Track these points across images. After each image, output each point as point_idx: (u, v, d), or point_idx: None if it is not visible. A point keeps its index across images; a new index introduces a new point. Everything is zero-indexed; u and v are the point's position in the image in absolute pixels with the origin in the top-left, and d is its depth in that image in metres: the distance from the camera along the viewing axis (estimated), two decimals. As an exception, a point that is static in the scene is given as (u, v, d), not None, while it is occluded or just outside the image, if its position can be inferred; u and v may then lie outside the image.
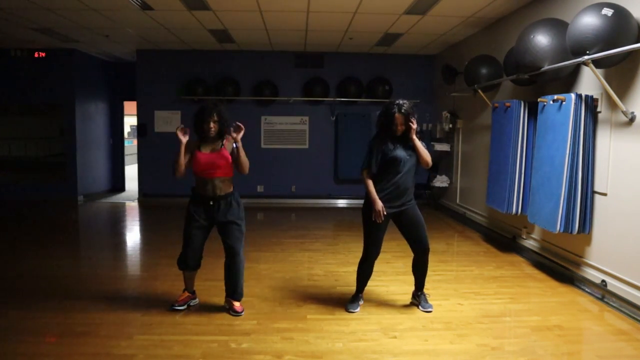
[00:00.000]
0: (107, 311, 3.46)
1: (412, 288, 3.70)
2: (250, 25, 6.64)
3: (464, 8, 5.60)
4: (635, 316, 3.41)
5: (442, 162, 7.88)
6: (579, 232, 3.95)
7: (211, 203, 3.35)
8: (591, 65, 3.53)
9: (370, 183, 3.39)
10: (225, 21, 6.42)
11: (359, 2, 5.43)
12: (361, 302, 3.63)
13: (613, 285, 3.68)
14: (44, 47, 8.23)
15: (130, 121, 14.81)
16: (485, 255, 5.24)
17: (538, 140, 4.41)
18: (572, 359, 2.94)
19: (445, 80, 7.26)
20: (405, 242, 3.56)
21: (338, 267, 4.67)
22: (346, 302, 3.62)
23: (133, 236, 6.58)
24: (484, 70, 5.70)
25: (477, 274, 4.52)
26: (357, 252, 3.60)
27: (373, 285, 3.98)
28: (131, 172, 10.87)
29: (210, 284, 3.89)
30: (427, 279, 3.65)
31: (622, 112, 3.56)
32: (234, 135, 3.32)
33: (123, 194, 9.86)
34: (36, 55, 8.39)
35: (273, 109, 8.71)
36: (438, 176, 7.71)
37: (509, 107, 4.89)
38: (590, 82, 4.06)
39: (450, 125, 7.43)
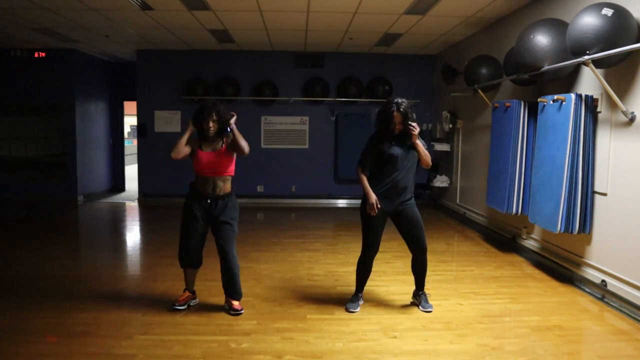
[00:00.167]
0: (107, 311, 3.46)
1: (412, 288, 3.70)
2: (250, 25, 6.64)
3: (464, 8, 5.60)
4: (635, 316, 3.41)
5: (442, 162, 7.88)
6: (579, 232, 3.95)
7: (208, 201, 3.36)
8: (591, 65, 3.53)
9: (364, 177, 3.44)
10: (225, 21, 6.42)
11: (359, 2, 5.43)
12: (361, 302, 3.63)
13: (613, 285, 3.68)
14: (44, 47, 8.23)
15: (130, 121, 14.81)
16: (485, 255, 5.24)
17: (538, 141, 4.41)
18: (572, 359, 2.94)
19: (445, 80, 7.26)
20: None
21: (338, 267, 4.67)
22: (346, 302, 3.62)
23: (133, 236, 6.58)
24: (484, 70, 5.70)
25: (477, 274, 4.52)
26: (357, 252, 3.60)
27: (373, 285, 3.98)
28: (131, 172, 10.87)
29: (210, 284, 3.89)
30: (427, 279, 3.66)
31: (622, 112, 3.56)
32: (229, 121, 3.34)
33: (123, 194, 9.87)
34: (36, 55, 8.39)
35: (273, 109, 8.71)
36: (438, 176, 7.71)
37: (509, 107, 4.89)
38: (590, 82, 4.06)
39: (450, 125, 7.43)
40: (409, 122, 3.29)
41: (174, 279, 4.05)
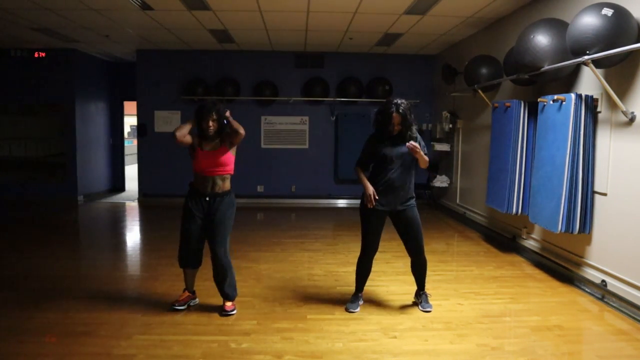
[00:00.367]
0: (107, 311, 3.46)
1: (413, 288, 3.71)
2: (250, 25, 6.64)
3: (464, 8, 5.60)
4: (635, 316, 3.41)
5: (442, 162, 7.89)
6: (579, 232, 3.96)
7: (207, 199, 3.37)
8: (591, 65, 3.53)
9: (361, 172, 3.49)
10: (225, 21, 6.42)
11: (359, 2, 5.43)
12: (361, 302, 3.63)
13: (613, 285, 3.68)
14: (44, 47, 8.23)
15: (130, 121, 14.81)
16: (485, 255, 5.24)
17: (539, 141, 4.41)
18: (572, 359, 2.94)
19: (445, 80, 7.26)
20: (405, 242, 3.57)
21: (338, 267, 4.67)
22: (346, 302, 3.62)
23: (133, 236, 6.58)
24: (484, 70, 5.70)
25: (477, 274, 4.52)
26: (357, 252, 3.60)
27: (373, 285, 3.99)
28: (131, 172, 10.87)
29: (210, 284, 3.87)
30: (427, 278, 3.66)
31: (622, 112, 3.56)
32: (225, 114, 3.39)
33: (123, 194, 9.86)
34: (36, 55, 8.39)
35: (273, 109, 8.71)
36: (438, 176, 7.71)
37: (509, 107, 4.89)
38: (590, 82, 4.06)
39: (450, 125, 7.43)
40: (411, 143, 3.27)
41: (174, 279, 4.05)
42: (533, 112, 4.66)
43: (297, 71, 8.64)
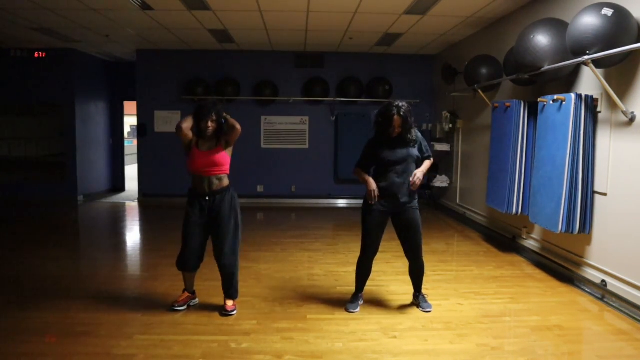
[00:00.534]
0: (107, 311, 3.46)
1: (412, 288, 3.70)
2: (250, 25, 6.64)
3: (464, 8, 5.60)
4: (635, 316, 3.41)
5: (442, 162, 7.88)
6: (579, 232, 3.96)
7: (207, 198, 3.37)
8: (591, 65, 3.53)
9: (360, 170, 3.50)
10: (225, 21, 6.42)
11: (359, 2, 5.43)
12: (361, 302, 3.63)
13: (613, 285, 3.69)
14: (44, 47, 8.23)
15: (130, 121, 14.81)
16: (485, 255, 5.24)
17: (539, 141, 4.41)
18: (572, 359, 2.94)
19: (445, 80, 7.26)
20: (405, 242, 3.57)
21: (338, 267, 4.67)
22: (346, 302, 3.62)
23: (133, 236, 6.58)
24: (484, 70, 5.70)
25: (477, 274, 4.52)
26: (357, 252, 3.60)
27: (373, 285, 3.99)
28: (131, 172, 10.87)
29: (210, 284, 3.89)
30: (427, 279, 3.67)
31: (622, 112, 3.56)
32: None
33: (123, 194, 9.86)
34: (36, 55, 8.38)
35: (273, 109, 8.71)
36: (438, 176, 7.71)
37: (509, 107, 4.89)
38: (590, 82, 4.06)
39: (450, 125, 7.43)
40: (415, 184, 3.35)
41: (174, 279, 4.04)
42: (533, 112, 4.66)
43: (297, 71, 8.64)
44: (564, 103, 3.96)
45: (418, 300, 3.62)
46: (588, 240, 4.04)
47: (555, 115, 4.08)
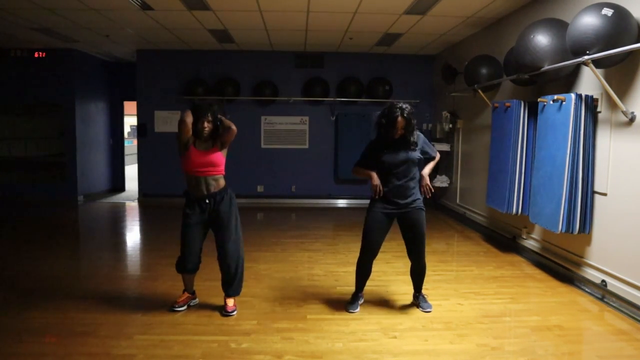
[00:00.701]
0: (107, 311, 3.46)
1: (412, 288, 3.70)
2: (250, 25, 6.64)
3: (464, 8, 5.60)
4: (635, 316, 3.42)
5: (442, 162, 7.88)
6: (579, 232, 3.96)
7: (207, 201, 3.36)
8: (591, 65, 3.53)
9: (359, 167, 3.51)
10: (225, 21, 6.42)
11: (359, 2, 5.43)
12: (361, 301, 3.63)
13: (613, 285, 3.69)
14: (44, 47, 8.23)
15: (130, 121, 14.81)
16: (485, 255, 5.24)
17: (539, 141, 4.41)
18: (572, 359, 2.94)
19: (445, 80, 7.26)
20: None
21: (338, 267, 4.67)
22: (346, 302, 3.62)
23: (133, 236, 6.58)
24: (484, 70, 5.70)
25: (477, 274, 4.52)
26: (357, 252, 3.60)
27: (373, 285, 3.98)
28: (131, 172, 10.87)
29: (210, 284, 3.89)
30: (427, 279, 3.66)
31: (622, 112, 3.56)
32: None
33: (123, 194, 9.86)
34: (36, 55, 8.39)
35: (273, 109, 8.71)
36: (438, 176, 7.71)
37: (509, 107, 4.89)
38: (590, 82, 4.06)
39: (450, 125, 7.43)
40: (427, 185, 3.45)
41: (174, 279, 4.04)
42: (533, 112, 4.66)
43: (297, 71, 8.64)
44: (564, 103, 3.96)
45: (418, 300, 3.62)
46: (588, 240, 4.04)
47: (555, 115, 4.08)
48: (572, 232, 3.95)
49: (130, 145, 14.71)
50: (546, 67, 4.08)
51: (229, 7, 5.77)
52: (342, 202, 8.83)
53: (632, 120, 3.53)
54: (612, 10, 3.34)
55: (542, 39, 4.04)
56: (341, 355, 2.86)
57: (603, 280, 3.79)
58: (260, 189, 8.79)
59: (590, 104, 3.88)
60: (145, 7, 5.67)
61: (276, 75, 8.59)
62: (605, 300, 3.76)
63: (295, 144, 8.82)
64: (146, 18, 6.19)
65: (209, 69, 8.54)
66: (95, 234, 6.84)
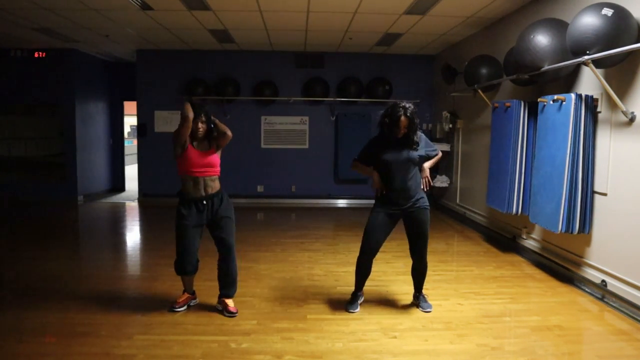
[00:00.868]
0: (107, 311, 3.46)
1: (413, 288, 3.70)
2: (250, 25, 6.64)
3: (464, 8, 5.60)
4: (635, 316, 3.41)
5: (442, 162, 7.88)
6: (579, 232, 3.96)
7: (204, 202, 3.36)
8: (591, 65, 3.53)
9: (358, 162, 3.54)
10: (225, 21, 6.42)
11: (359, 2, 5.43)
12: (361, 301, 3.63)
13: (613, 285, 3.69)
14: (44, 47, 8.23)
15: (130, 121, 14.81)
16: (485, 255, 5.24)
17: (539, 141, 4.41)
18: (572, 359, 2.94)
19: (445, 80, 7.26)
20: (405, 242, 3.57)
21: (338, 267, 4.67)
22: (346, 302, 3.62)
23: (133, 236, 6.58)
24: (484, 70, 5.70)
25: (477, 274, 4.52)
26: (357, 252, 3.60)
27: (373, 285, 3.99)
28: (131, 172, 10.87)
29: (209, 284, 3.88)
30: (427, 278, 3.66)
31: (622, 112, 3.56)
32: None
33: (123, 194, 9.86)
34: (36, 55, 8.39)
35: (273, 109, 8.71)
36: (438, 176, 7.71)
37: (509, 107, 4.89)
38: (590, 82, 4.06)
39: (450, 125, 7.43)
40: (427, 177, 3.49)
41: (174, 279, 4.03)
42: (533, 112, 4.66)
43: (297, 71, 8.63)
44: (564, 103, 3.96)
45: (418, 300, 3.62)
46: (588, 240, 4.04)
47: (555, 115, 4.08)
48: (572, 232, 3.95)
49: (130, 145, 14.71)
50: (546, 67, 4.08)
51: (229, 7, 5.77)
52: (342, 202, 8.82)
53: (632, 120, 3.53)
54: (612, 10, 3.34)
55: (542, 39, 4.04)
56: (341, 355, 2.86)
57: (603, 280, 3.79)
58: (260, 189, 8.79)
59: (590, 104, 3.88)
60: (145, 7, 5.67)
61: (276, 75, 8.59)
62: (605, 300, 3.76)
63: (295, 144, 8.81)
64: (146, 18, 6.19)
65: (209, 69, 8.54)
66: (95, 234, 6.84)
